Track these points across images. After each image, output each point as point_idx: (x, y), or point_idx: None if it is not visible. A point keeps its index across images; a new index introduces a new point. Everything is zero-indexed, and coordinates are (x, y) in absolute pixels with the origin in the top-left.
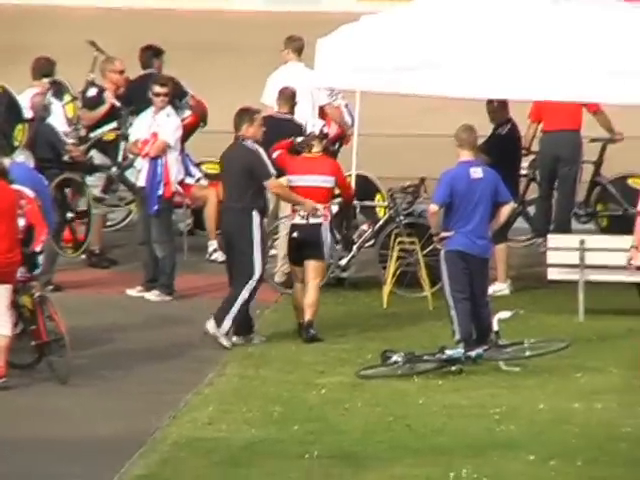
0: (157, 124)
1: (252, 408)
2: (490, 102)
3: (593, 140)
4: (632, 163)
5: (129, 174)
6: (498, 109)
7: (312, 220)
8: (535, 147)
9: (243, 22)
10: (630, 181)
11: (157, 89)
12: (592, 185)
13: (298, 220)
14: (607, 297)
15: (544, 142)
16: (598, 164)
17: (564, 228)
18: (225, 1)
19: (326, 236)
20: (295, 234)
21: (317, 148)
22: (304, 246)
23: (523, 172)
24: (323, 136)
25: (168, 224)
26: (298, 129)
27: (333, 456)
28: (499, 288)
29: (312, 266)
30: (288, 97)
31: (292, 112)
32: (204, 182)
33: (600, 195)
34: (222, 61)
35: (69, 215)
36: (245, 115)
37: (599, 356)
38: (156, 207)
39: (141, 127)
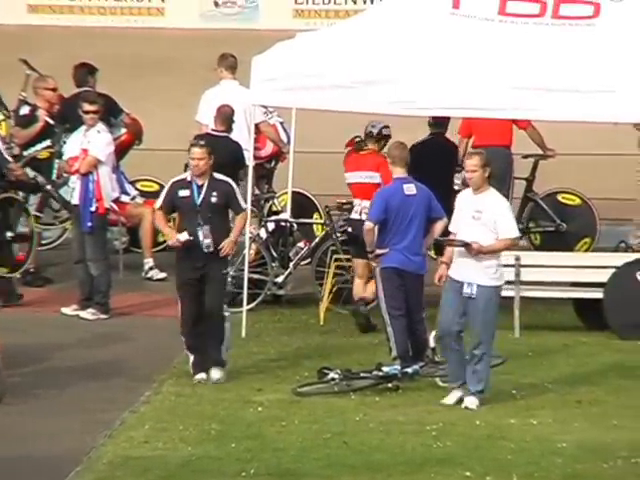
0: (87, 140)
1: (189, 426)
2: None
3: (526, 156)
4: (563, 179)
5: (64, 192)
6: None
7: (364, 217)
8: None
9: (179, 39)
10: (561, 197)
11: (86, 107)
12: (524, 201)
13: (354, 215)
14: (543, 313)
15: None
16: (530, 180)
17: None
18: (160, 18)
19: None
20: (350, 229)
21: (370, 146)
22: (358, 242)
23: (456, 187)
24: (381, 137)
25: (102, 242)
26: (235, 147)
27: (270, 474)
28: None
29: (360, 263)
30: (227, 116)
31: (229, 130)
32: (140, 200)
33: (532, 211)
34: (157, 79)
35: (9, 235)
36: None
37: (535, 372)
38: (89, 224)
39: (73, 145)
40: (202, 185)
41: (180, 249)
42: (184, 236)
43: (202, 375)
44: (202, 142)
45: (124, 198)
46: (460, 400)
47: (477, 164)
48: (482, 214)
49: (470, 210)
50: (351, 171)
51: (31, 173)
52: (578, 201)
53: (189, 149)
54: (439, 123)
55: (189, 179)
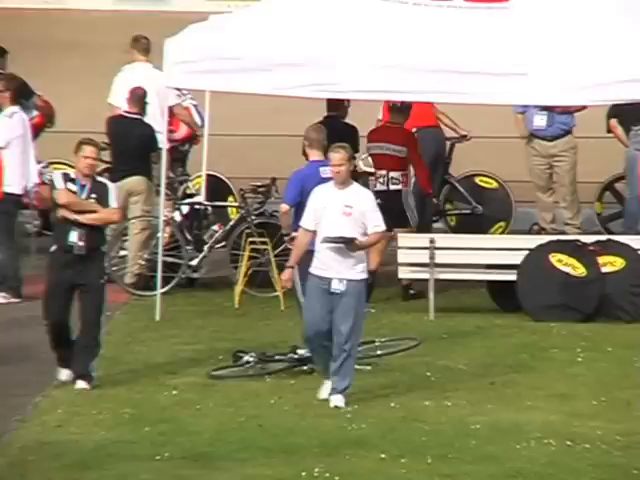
0: None
1: (102, 410)
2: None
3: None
4: (480, 162)
5: None
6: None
7: (392, 187)
8: None
9: (91, 21)
10: (478, 180)
11: None
12: (441, 184)
13: (379, 187)
14: (457, 295)
15: None
16: (447, 163)
17: (427, 225)
18: (73, 0)
19: (407, 202)
20: (379, 200)
21: (396, 120)
22: (388, 213)
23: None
24: (406, 107)
25: (6, 226)
26: (148, 130)
27: (185, 457)
28: None
29: (398, 232)
30: (139, 97)
31: (143, 112)
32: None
33: (449, 194)
34: (70, 61)
35: None
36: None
37: (449, 354)
38: None
39: None
40: (85, 185)
41: (55, 251)
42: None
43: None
44: (93, 140)
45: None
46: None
47: (343, 158)
48: (353, 209)
49: (338, 206)
50: (378, 142)
51: None
52: (495, 184)
53: (78, 147)
54: (338, 106)
55: (73, 176)
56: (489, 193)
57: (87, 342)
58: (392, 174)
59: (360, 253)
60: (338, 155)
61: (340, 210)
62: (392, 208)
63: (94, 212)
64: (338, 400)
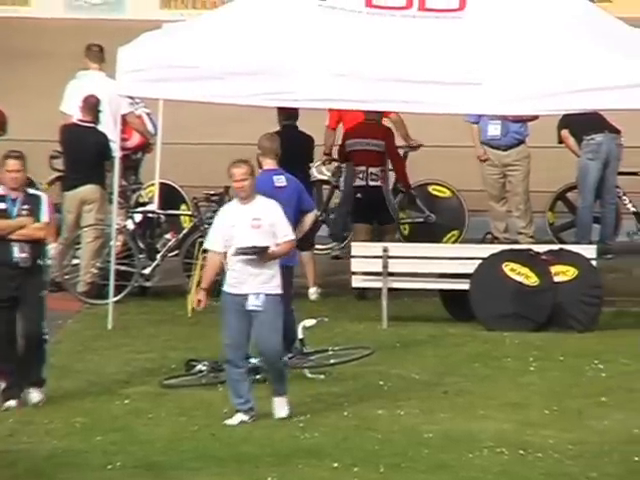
0: None
1: (54, 419)
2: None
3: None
4: (433, 171)
5: None
6: (278, 115)
7: (372, 183)
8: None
9: (44, 29)
10: (431, 189)
11: None
12: (394, 192)
13: (358, 182)
14: (410, 304)
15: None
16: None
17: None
18: (26, 8)
19: (389, 198)
20: (359, 195)
21: (372, 116)
22: (369, 208)
23: (325, 178)
24: None
25: None
26: (101, 138)
27: (137, 466)
28: (313, 292)
29: (384, 229)
30: (92, 106)
31: (96, 121)
32: None
33: (402, 202)
34: (23, 68)
35: None
36: None
37: (402, 363)
38: None
39: None
40: (16, 199)
41: None
42: None
43: (12, 402)
44: (17, 153)
45: None
46: (242, 422)
47: (246, 172)
48: (261, 221)
49: (247, 220)
50: (357, 138)
51: None
52: (448, 193)
53: (2, 161)
54: (292, 115)
55: (2, 192)
56: (442, 202)
57: (34, 353)
58: (371, 169)
59: (274, 267)
60: (240, 170)
61: (249, 224)
62: (372, 203)
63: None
64: (281, 407)
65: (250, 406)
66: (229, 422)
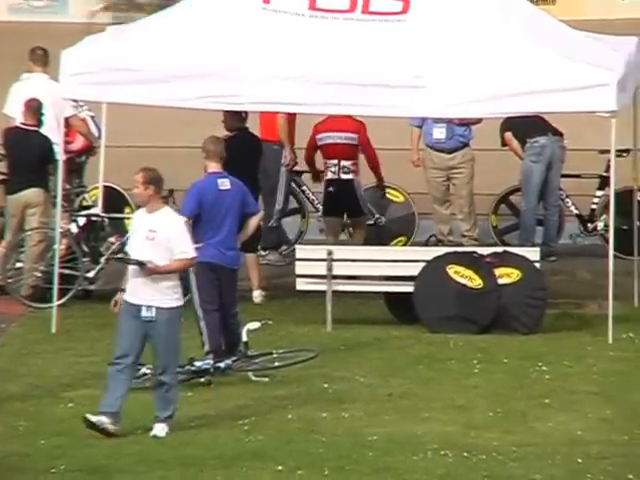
0: None
1: None
2: (225, 112)
3: None
4: (387, 174)
5: None
6: (227, 118)
7: (343, 176)
8: None
9: None
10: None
11: None
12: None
13: (330, 176)
14: (355, 307)
15: None
16: None
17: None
18: None
19: (360, 192)
20: (330, 188)
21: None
22: (340, 202)
23: None
24: None
25: None
26: (45, 141)
27: (81, 469)
28: (257, 295)
29: (355, 222)
30: (34, 109)
31: (39, 124)
32: None
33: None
34: None
35: None
36: None
37: (347, 366)
38: None
39: None
40: None
41: None
42: None
43: None
44: None
45: None
46: (93, 425)
47: (138, 180)
48: (156, 233)
49: (144, 230)
50: (328, 132)
51: None
52: (401, 198)
53: None
54: (244, 118)
55: None
56: (394, 206)
57: None
58: (343, 163)
59: (169, 279)
60: (136, 177)
61: (144, 234)
62: (344, 197)
63: None
64: (159, 429)
65: (115, 411)
66: (89, 416)
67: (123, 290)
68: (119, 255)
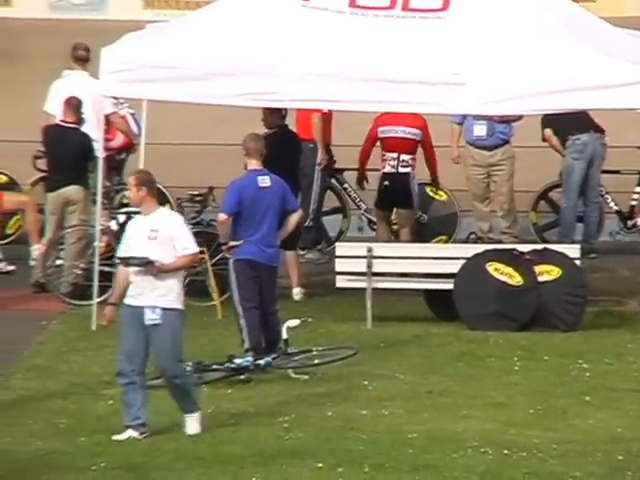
0: None
1: (38, 420)
2: (264, 109)
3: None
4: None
5: None
6: (267, 115)
7: (401, 169)
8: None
9: (28, 29)
10: (428, 189)
11: None
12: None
13: (388, 169)
14: (394, 304)
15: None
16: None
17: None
18: (8, 8)
19: (413, 186)
20: (387, 182)
21: None
22: (394, 194)
23: None
24: None
25: None
26: (85, 139)
27: (121, 467)
28: (297, 292)
29: (403, 214)
30: (74, 106)
31: (79, 121)
32: None
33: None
34: (5, 69)
35: None
36: None
37: (386, 363)
38: None
39: None
40: None
41: None
42: None
43: None
44: None
45: None
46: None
47: (131, 183)
48: (158, 232)
49: (144, 231)
50: (390, 125)
51: None
52: (444, 197)
53: None
54: (284, 115)
55: None
56: (437, 204)
57: None
58: (403, 157)
59: (173, 279)
60: (129, 179)
61: (146, 235)
62: (399, 190)
63: None
64: (190, 426)
65: (140, 422)
66: (117, 437)
67: (113, 304)
68: (126, 255)
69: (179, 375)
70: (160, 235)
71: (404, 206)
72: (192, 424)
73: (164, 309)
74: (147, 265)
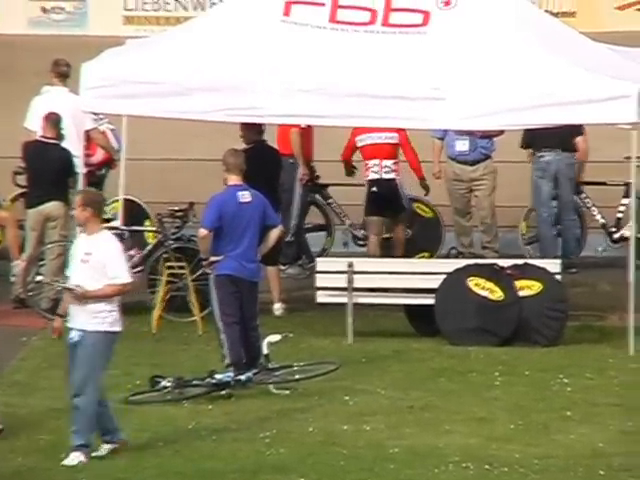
0: None
1: (19, 436)
2: (242, 124)
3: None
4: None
5: None
6: (245, 131)
7: (385, 175)
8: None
9: (7, 45)
10: (415, 206)
11: None
12: None
13: (372, 176)
14: (375, 319)
15: None
16: None
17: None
18: None
19: (402, 190)
20: (374, 188)
21: None
22: (383, 201)
23: None
24: None
25: None
26: (65, 154)
27: None
28: (277, 307)
29: (396, 220)
30: (54, 122)
31: (59, 137)
32: None
33: None
34: None
35: None
36: None
37: (367, 378)
38: None
39: None
40: None
41: None
42: None
43: None
44: None
45: None
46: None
47: (77, 202)
48: (91, 256)
49: (80, 253)
50: (366, 133)
51: None
52: (430, 214)
53: None
54: (262, 131)
55: None
56: (422, 220)
57: None
58: (385, 162)
59: (101, 303)
60: (76, 198)
61: (80, 257)
62: (387, 196)
63: None
64: (70, 459)
65: (117, 439)
66: (66, 462)
67: (60, 315)
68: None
69: (82, 395)
70: (92, 259)
71: (396, 211)
72: (74, 456)
73: (85, 331)
74: (68, 290)
